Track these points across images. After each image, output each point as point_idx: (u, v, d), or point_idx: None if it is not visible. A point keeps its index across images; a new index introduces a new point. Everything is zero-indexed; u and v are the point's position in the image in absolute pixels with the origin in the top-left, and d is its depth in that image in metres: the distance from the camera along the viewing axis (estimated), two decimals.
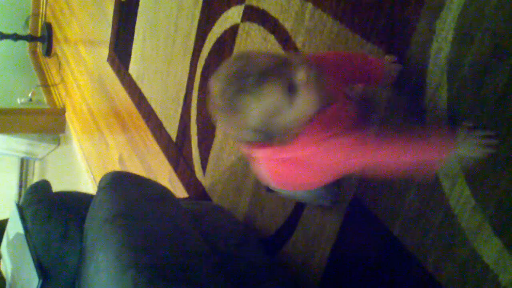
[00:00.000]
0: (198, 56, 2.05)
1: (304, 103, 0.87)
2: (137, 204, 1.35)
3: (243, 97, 0.84)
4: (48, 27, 4.54)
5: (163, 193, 1.52)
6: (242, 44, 1.75)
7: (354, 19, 1.28)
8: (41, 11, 4.81)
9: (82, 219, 1.35)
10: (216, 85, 0.88)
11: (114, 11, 2.97)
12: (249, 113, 0.86)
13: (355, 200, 1.29)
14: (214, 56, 1.95)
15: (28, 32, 4.77)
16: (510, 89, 0.94)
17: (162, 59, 2.39)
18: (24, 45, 4.87)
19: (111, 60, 3.06)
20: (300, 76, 0.85)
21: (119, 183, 1.43)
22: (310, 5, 1.42)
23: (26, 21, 4.84)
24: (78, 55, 3.80)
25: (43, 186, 1.46)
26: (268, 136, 0.91)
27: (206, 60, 2.00)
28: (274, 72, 0.84)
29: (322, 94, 0.89)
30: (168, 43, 2.32)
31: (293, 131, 0.91)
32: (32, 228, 1.31)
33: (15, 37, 4.38)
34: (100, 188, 1.41)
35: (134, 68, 2.74)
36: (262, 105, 0.85)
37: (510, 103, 0.94)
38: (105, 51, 3.14)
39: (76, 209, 1.39)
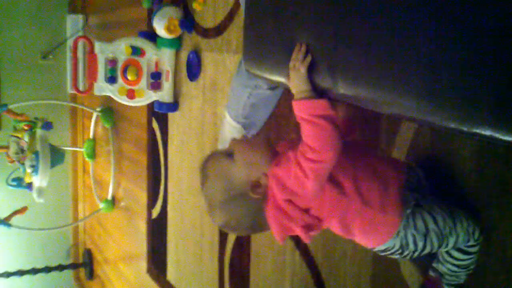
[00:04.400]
0: (224, 252, 2.42)
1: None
2: None
3: None
4: (88, 253, 5.00)
5: None
6: (257, 242, 2.12)
7: None
8: (80, 239, 5.33)
9: None
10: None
11: (147, 227, 3.40)
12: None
13: None
14: (236, 250, 2.31)
15: (70, 261, 5.23)
16: None
17: (194, 260, 2.74)
18: (69, 274, 5.28)
19: (150, 271, 3.41)
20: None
21: None
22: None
23: (68, 251, 5.33)
24: (119, 273, 4.16)
25: None
26: None
27: (232, 254, 2.36)
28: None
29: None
30: (197, 246, 2.70)
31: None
32: None
33: (60, 268, 4.82)
34: None
35: (171, 275, 3.08)
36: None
37: None
38: (143, 264, 3.50)
39: None
